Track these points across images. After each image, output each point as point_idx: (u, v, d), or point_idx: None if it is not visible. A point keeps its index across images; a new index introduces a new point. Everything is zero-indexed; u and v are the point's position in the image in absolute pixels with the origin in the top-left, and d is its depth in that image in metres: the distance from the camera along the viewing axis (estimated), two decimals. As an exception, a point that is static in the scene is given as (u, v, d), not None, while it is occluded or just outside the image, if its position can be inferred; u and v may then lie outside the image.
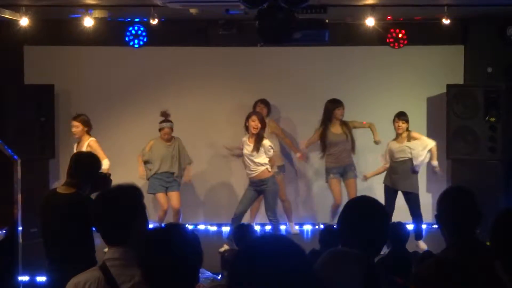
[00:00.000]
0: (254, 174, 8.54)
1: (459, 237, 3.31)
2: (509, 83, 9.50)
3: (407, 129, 8.82)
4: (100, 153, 8.10)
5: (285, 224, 9.57)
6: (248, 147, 8.53)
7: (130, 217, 3.01)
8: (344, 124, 9.19)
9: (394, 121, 8.83)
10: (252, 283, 1.91)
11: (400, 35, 9.90)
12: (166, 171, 9.05)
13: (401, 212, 8.72)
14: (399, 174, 8.78)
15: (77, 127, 8.56)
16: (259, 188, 8.58)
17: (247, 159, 8.55)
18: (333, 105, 9.18)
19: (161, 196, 9.04)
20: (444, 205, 3.43)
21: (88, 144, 8.50)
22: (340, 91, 9.50)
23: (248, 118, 8.58)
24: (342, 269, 2.28)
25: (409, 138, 8.79)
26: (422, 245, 8.67)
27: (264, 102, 9.53)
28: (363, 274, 2.29)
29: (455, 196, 3.45)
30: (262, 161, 8.49)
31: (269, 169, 8.55)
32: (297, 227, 9.84)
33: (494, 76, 9.78)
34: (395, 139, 8.87)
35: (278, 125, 9.79)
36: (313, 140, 9.32)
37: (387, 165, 8.89)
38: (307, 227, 9.90)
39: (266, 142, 8.51)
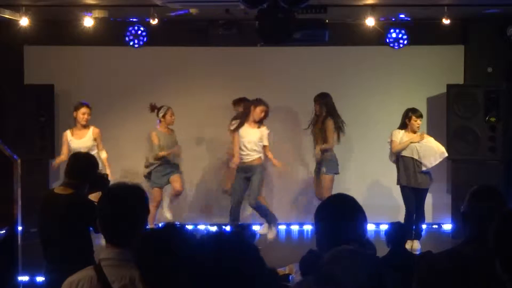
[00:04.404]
0: (250, 159, 8.68)
1: (482, 233, 3.31)
2: (509, 83, 9.51)
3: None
4: (100, 144, 8.62)
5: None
6: (253, 132, 8.69)
7: (139, 218, 3.02)
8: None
9: (409, 118, 8.60)
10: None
11: (400, 35, 9.90)
12: (170, 161, 9.04)
13: (401, 212, 8.72)
14: (420, 172, 8.61)
15: (88, 114, 8.61)
16: (247, 175, 8.71)
17: (250, 144, 8.67)
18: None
19: (157, 190, 9.01)
20: (473, 200, 3.44)
21: (94, 131, 8.63)
22: (339, 91, 9.49)
23: (256, 105, 8.73)
24: (348, 268, 2.28)
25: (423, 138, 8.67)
26: (416, 245, 8.59)
27: None
28: (370, 274, 2.29)
29: (485, 192, 3.47)
30: (259, 148, 8.71)
31: (262, 157, 8.81)
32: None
33: (494, 76, 9.77)
34: (406, 132, 8.64)
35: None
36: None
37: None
38: (307, 227, 9.89)
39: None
